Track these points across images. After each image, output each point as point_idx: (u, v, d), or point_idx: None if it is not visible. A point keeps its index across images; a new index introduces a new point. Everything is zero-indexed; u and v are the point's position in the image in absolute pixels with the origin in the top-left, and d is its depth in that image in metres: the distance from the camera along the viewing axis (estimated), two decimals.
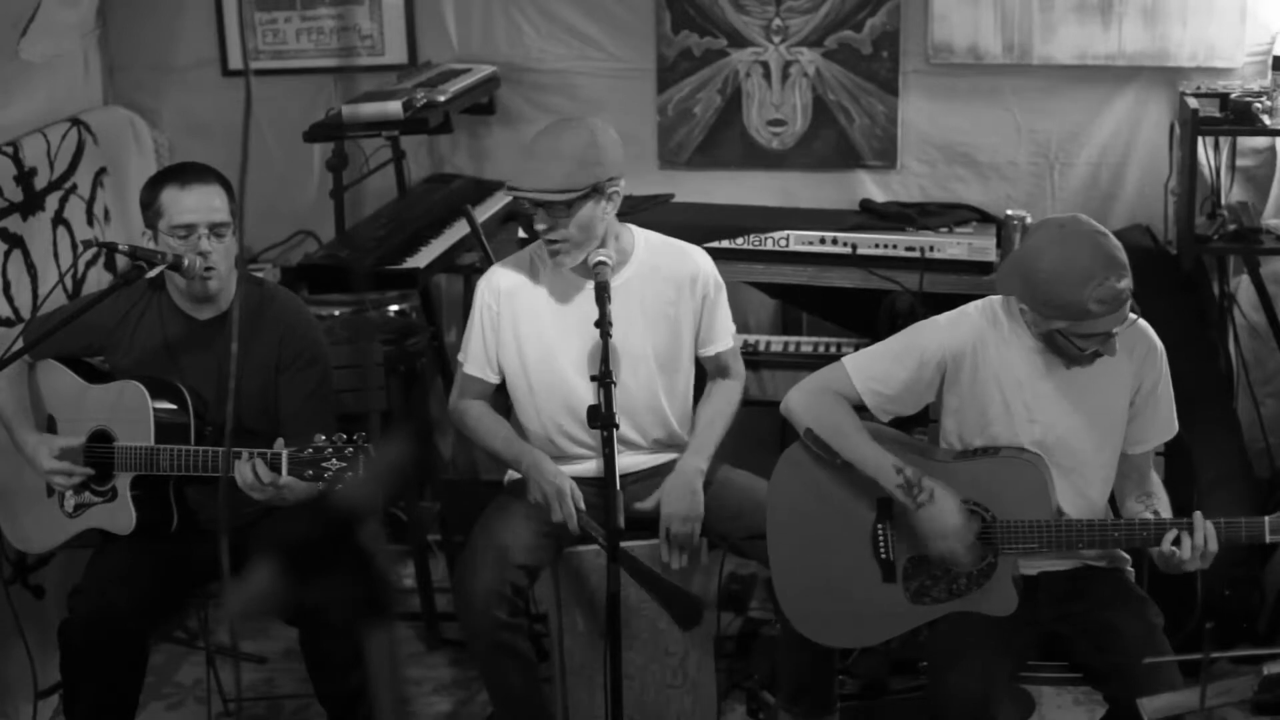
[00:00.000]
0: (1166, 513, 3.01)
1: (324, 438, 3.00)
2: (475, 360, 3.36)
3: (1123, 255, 2.83)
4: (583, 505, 3.21)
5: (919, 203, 4.38)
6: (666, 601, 3.29)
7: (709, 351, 3.42)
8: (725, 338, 3.43)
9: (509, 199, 4.36)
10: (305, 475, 2.98)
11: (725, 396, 3.44)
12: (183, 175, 3.23)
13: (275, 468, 3.00)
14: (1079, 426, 2.99)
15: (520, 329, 3.31)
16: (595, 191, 3.17)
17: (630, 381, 3.29)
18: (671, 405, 3.38)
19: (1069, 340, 2.88)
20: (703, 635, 3.41)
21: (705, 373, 3.49)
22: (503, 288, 3.32)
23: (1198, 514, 2.84)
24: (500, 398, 3.43)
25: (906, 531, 3.03)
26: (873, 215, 4.27)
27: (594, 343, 3.12)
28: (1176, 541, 2.84)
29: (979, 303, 3.06)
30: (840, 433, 3.02)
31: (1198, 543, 2.82)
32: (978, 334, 3.00)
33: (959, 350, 3.00)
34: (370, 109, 3.94)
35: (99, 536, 3.28)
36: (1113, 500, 3.13)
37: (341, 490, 2.84)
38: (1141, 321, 2.96)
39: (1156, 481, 3.12)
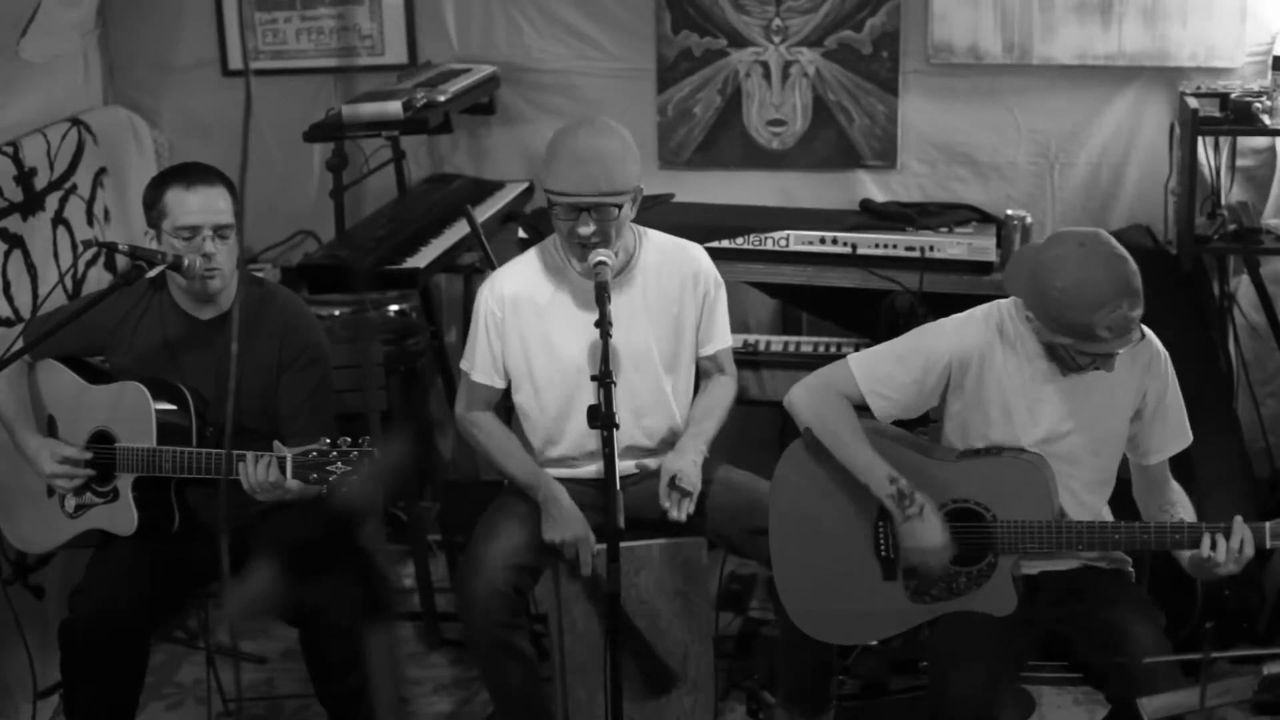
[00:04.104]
0: (1191, 519, 3.01)
1: (328, 441, 2.99)
2: (482, 367, 3.36)
3: (1138, 282, 2.80)
4: (597, 550, 3.21)
5: (919, 203, 4.38)
6: (641, 660, 3.31)
7: (707, 351, 3.43)
8: (722, 338, 3.44)
9: (511, 199, 4.37)
10: (310, 479, 2.97)
11: (721, 391, 3.45)
12: (187, 176, 3.22)
13: (279, 470, 3.00)
14: (1078, 431, 2.99)
15: (526, 333, 3.31)
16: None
17: (636, 379, 3.30)
18: (677, 402, 3.39)
19: (1069, 353, 2.88)
20: (703, 635, 3.41)
21: (700, 376, 3.48)
22: (506, 293, 3.32)
23: (1238, 518, 2.84)
24: (501, 402, 3.43)
25: None
26: (873, 215, 4.27)
27: (597, 344, 3.12)
28: (1213, 545, 2.83)
29: (985, 307, 3.05)
30: (839, 437, 3.02)
31: (1233, 546, 2.82)
32: (984, 339, 2.99)
33: (964, 355, 2.99)
34: (370, 109, 3.94)
35: (99, 536, 3.28)
36: (1134, 508, 3.13)
37: (342, 491, 2.85)
38: (1148, 332, 2.96)
39: (1177, 489, 3.11)
